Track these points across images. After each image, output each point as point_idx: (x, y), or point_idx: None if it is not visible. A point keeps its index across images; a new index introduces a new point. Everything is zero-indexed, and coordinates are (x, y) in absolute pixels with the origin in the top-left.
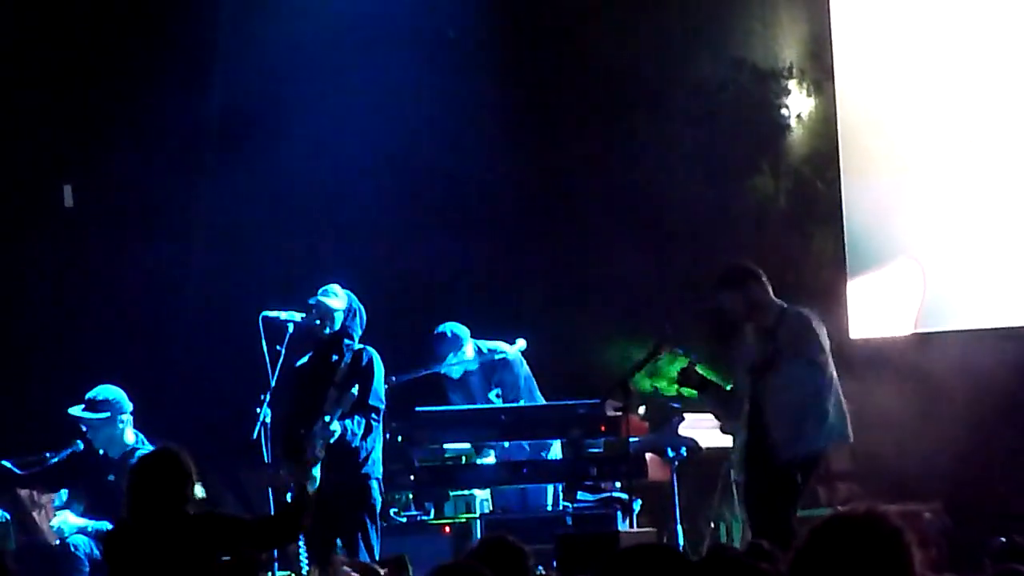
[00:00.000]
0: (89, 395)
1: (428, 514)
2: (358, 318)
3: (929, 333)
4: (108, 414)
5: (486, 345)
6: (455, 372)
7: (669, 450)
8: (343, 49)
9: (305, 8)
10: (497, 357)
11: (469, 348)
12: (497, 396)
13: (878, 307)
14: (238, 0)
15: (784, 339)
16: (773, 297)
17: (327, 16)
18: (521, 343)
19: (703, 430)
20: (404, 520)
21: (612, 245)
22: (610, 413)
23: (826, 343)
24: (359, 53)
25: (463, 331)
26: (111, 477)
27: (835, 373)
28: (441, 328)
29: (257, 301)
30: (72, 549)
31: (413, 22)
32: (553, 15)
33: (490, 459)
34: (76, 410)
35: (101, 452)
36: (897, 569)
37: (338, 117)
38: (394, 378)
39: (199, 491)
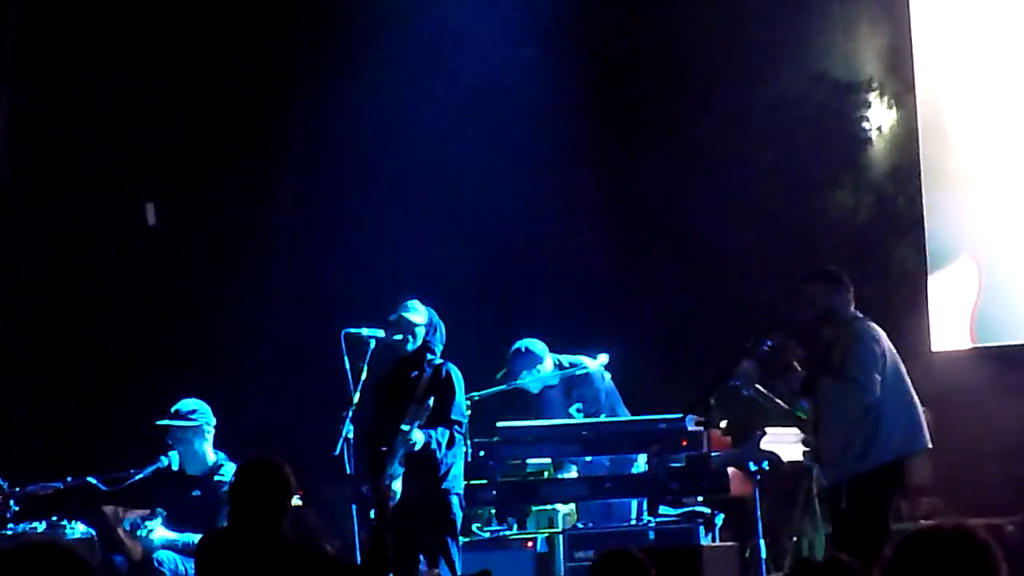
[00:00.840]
0: (175, 407)
1: (510, 529)
2: (438, 333)
3: (1012, 345)
4: (197, 422)
5: (567, 359)
6: (534, 387)
7: (751, 464)
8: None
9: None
10: (578, 372)
11: (548, 362)
12: (578, 411)
13: (959, 320)
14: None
15: (836, 353)
16: (853, 311)
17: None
18: (604, 358)
19: (785, 445)
20: (486, 535)
21: (687, 261)
22: (691, 428)
23: (878, 358)
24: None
25: (540, 346)
26: (196, 493)
27: (901, 384)
28: (518, 344)
29: (340, 317)
30: (156, 564)
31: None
32: (629, 31)
33: (572, 474)
34: (165, 420)
35: (177, 469)
36: None
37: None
38: (476, 395)
39: (296, 500)
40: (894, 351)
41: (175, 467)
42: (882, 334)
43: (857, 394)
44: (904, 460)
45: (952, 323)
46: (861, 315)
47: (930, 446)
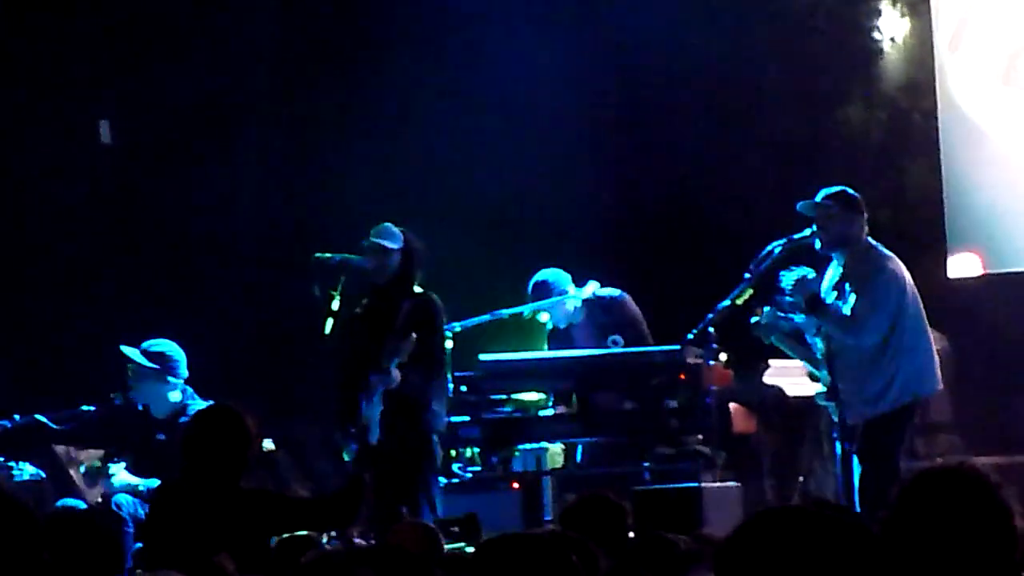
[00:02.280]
0: (146, 344)
1: (495, 470)
2: (416, 258)
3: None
4: (158, 367)
5: (593, 292)
6: (560, 321)
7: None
8: None
9: None
10: (611, 296)
11: (572, 292)
12: (613, 343)
13: (981, 244)
14: None
15: (852, 274)
16: (868, 239)
17: None
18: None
19: (790, 378)
20: (470, 476)
21: (691, 186)
22: (690, 360)
23: (894, 296)
24: None
25: (563, 277)
26: (160, 436)
27: (919, 322)
28: (538, 276)
29: (313, 243)
30: (115, 508)
31: None
32: None
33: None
34: (129, 350)
35: (141, 408)
36: (994, 526)
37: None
38: (458, 326)
39: (268, 444)
40: (913, 285)
41: (129, 406)
42: (902, 268)
43: (856, 332)
44: (918, 401)
45: (969, 248)
46: (876, 243)
47: (941, 387)
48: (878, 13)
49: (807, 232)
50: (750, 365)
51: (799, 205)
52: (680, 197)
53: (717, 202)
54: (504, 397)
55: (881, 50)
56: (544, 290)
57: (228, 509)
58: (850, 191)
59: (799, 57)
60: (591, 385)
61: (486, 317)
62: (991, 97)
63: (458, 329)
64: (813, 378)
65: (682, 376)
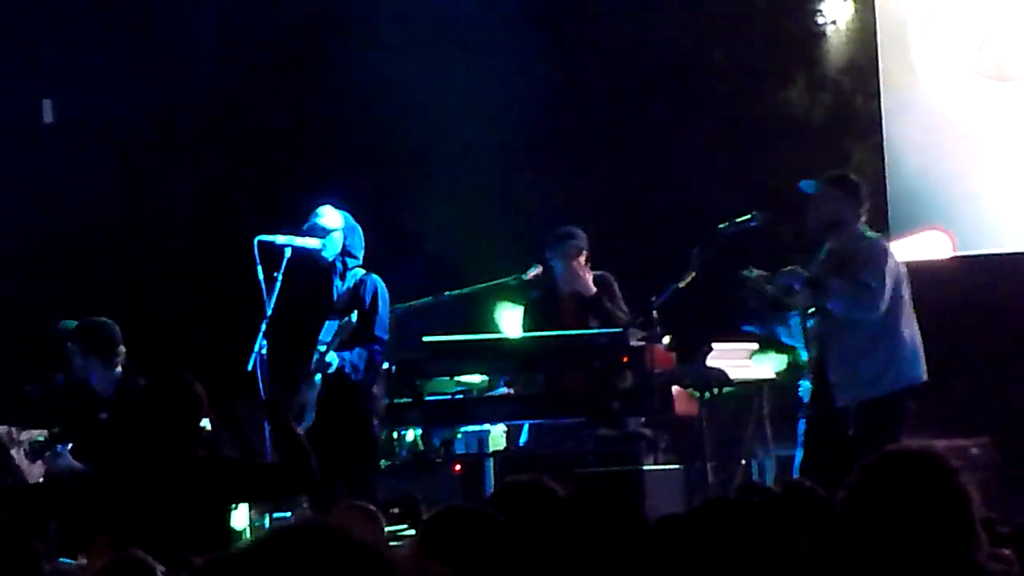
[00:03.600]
0: (83, 321)
1: (437, 452)
2: (356, 238)
3: (975, 256)
4: (96, 345)
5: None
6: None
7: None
8: None
9: None
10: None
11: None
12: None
13: (920, 229)
14: None
15: (849, 255)
16: (864, 227)
17: None
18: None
19: (734, 361)
20: (411, 458)
21: (632, 164)
22: (633, 343)
23: (891, 277)
24: None
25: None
26: (103, 416)
27: (912, 309)
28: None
29: (253, 224)
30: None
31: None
32: None
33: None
34: (68, 324)
35: (81, 386)
36: (952, 511)
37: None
38: (399, 309)
39: (206, 423)
40: (905, 273)
41: (79, 383)
42: (896, 255)
43: (870, 303)
44: (913, 389)
45: (915, 232)
46: (876, 233)
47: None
48: None
49: (749, 216)
50: (693, 348)
51: (802, 183)
52: (624, 180)
53: (661, 185)
54: (447, 378)
55: (824, 33)
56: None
57: (188, 477)
58: (852, 177)
59: (742, 40)
60: (534, 366)
61: (428, 300)
62: (958, 84)
63: (398, 312)
64: (758, 360)
65: (625, 358)
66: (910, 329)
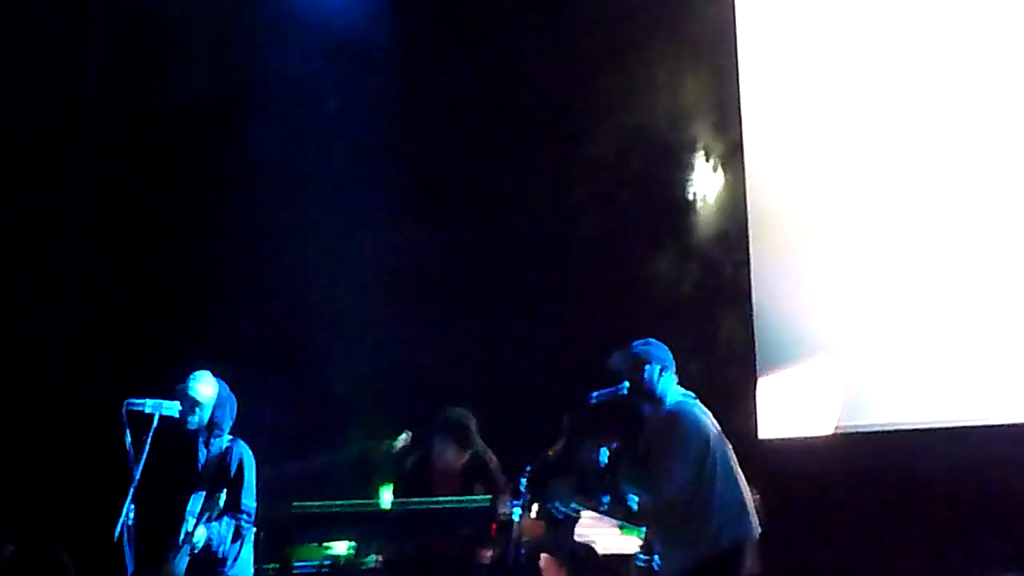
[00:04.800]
0: None
1: None
2: (228, 408)
3: (848, 433)
4: None
5: None
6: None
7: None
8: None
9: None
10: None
11: None
12: None
13: (792, 404)
14: None
15: (651, 429)
16: (676, 389)
17: None
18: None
19: (602, 529)
20: None
21: (496, 330)
22: (502, 511)
23: (693, 446)
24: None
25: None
26: None
27: (727, 467)
28: None
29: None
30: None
31: None
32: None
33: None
34: None
35: None
36: None
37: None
38: (266, 473)
39: None
40: (720, 432)
41: None
42: (705, 416)
43: (663, 485)
44: (741, 547)
45: (787, 406)
46: (684, 393)
47: (759, 532)
48: (692, 167)
49: (619, 386)
50: (562, 516)
51: (609, 359)
52: (495, 346)
53: (530, 351)
54: (315, 546)
55: (693, 203)
56: None
57: None
58: (655, 343)
59: (612, 208)
60: (402, 535)
61: (300, 463)
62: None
63: (268, 476)
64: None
65: (493, 527)
66: (729, 485)
